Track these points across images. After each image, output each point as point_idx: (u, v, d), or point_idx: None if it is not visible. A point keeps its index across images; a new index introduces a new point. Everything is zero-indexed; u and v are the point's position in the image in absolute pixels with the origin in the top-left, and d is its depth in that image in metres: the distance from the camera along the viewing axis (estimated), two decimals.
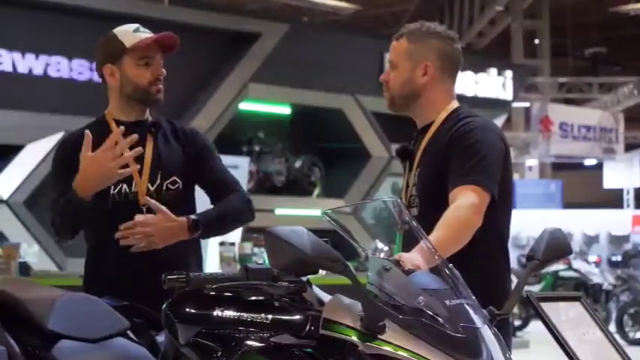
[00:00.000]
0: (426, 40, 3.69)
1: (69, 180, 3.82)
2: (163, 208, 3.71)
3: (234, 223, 4.02)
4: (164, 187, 3.83)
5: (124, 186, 3.79)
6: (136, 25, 3.90)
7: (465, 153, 3.48)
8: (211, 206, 3.98)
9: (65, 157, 3.88)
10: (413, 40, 3.70)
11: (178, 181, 3.87)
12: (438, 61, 3.69)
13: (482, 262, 3.47)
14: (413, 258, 2.89)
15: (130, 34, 3.85)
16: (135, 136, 3.65)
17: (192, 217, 3.78)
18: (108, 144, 3.62)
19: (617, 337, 10.99)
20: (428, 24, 3.75)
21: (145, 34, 3.86)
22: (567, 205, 27.40)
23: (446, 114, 3.66)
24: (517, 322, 14.90)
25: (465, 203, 3.35)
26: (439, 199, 3.45)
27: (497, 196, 3.45)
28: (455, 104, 3.71)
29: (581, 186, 30.80)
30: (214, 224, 3.88)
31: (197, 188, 4.01)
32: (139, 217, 3.69)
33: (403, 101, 3.72)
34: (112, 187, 3.77)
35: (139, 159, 3.81)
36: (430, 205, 3.51)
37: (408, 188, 3.69)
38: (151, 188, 3.81)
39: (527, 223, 18.72)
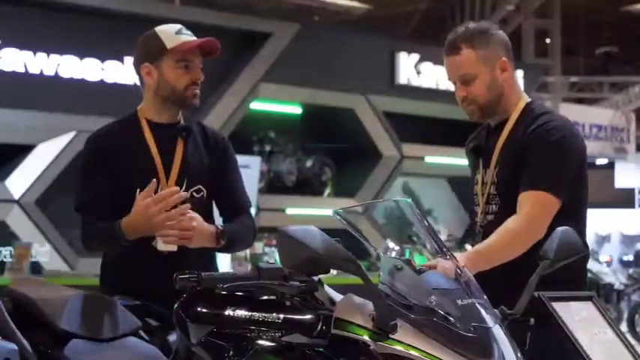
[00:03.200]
0: (488, 40, 3.69)
1: (99, 180, 3.81)
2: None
3: (243, 246, 4.04)
4: (189, 195, 3.81)
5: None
6: (178, 27, 3.86)
7: (540, 153, 3.52)
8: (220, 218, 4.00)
9: (96, 156, 3.86)
10: (477, 45, 3.68)
11: (203, 189, 3.85)
12: (507, 53, 3.73)
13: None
14: (447, 269, 2.90)
15: (172, 35, 3.82)
16: (183, 195, 3.66)
17: (220, 227, 3.77)
18: (157, 198, 3.61)
19: (629, 336, 10.96)
20: (474, 25, 3.76)
21: (187, 36, 3.83)
22: None
23: (519, 111, 3.70)
24: None
25: (526, 215, 3.42)
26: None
27: (566, 200, 3.49)
28: (526, 97, 3.75)
29: (593, 185, 30.04)
30: (235, 240, 3.87)
31: None
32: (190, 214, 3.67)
33: (492, 106, 3.72)
34: (138, 190, 3.75)
35: (167, 162, 3.80)
36: (511, 202, 3.56)
37: (484, 185, 3.72)
38: None
39: None
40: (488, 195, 3.70)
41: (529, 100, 3.76)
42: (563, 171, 3.51)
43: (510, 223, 3.41)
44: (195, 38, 3.86)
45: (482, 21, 3.81)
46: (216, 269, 3.96)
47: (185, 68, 3.80)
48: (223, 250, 3.85)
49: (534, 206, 3.42)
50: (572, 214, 3.57)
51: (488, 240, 3.32)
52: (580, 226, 3.66)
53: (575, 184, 3.60)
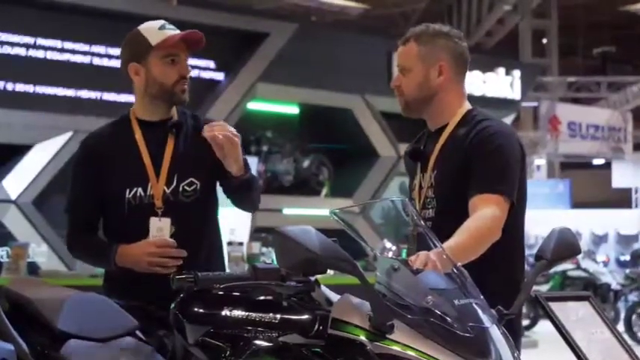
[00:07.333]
0: (435, 41, 3.69)
1: (87, 182, 3.81)
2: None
3: (254, 197, 3.89)
4: (180, 189, 3.76)
5: (139, 190, 3.73)
6: (161, 22, 3.82)
7: (487, 159, 3.50)
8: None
9: (86, 159, 3.85)
10: (422, 42, 3.69)
11: (196, 182, 3.77)
12: (451, 60, 3.70)
13: (499, 262, 3.47)
14: (431, 256, 2.90)
15: (155, 31, 3.77)
16: (183, 253, 3.65)
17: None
18: (161, 242, 3.65)
19: (626, 336, 10.96)
20: (434, 25, 3.76)
21: (171, 31, 3.78)
22: (576, 204, 27.35)
23: (460, 116, 3.68)
24: (525, 322, 14.86)
25: (488, 214, 3.38)
26: (457, 201, 3.49)
27: (515, 202, 3.48)
28: (468, 105, 3.74)
29: (590, 185, 30.75)
30: (253, 181, 3.80)
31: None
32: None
33: (418, 105, 3.72)
34: (128, 191, 3.73)
35: (157, 160, 3.78)
36: (448, 206, 3.54)
37: (421, 189, 3.70)
38: (167, 191, 3.74)
39: (536, 223, 18.67)
40: (425, 199, 3.67)
41: (471, 107, 3.76)
42: (511, 175, 3.51)
43: (474, 222, 3.36)
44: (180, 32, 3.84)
45: (447, 26, 3.81)
46: (222, 266, 3.94)
47: (172, 63, 3.77)
48: (243, 188, 3.76)
49: (495, 208, 3.39)
50: (512, 215, 3.55)
51: (459, 238, 3.29)
52: (516, 224, 3.64)
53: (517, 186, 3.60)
